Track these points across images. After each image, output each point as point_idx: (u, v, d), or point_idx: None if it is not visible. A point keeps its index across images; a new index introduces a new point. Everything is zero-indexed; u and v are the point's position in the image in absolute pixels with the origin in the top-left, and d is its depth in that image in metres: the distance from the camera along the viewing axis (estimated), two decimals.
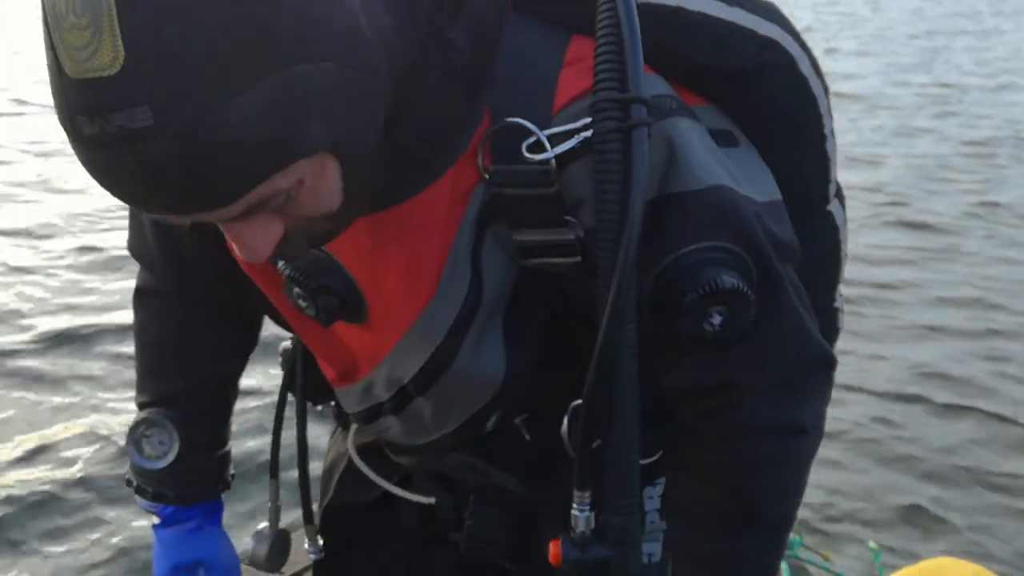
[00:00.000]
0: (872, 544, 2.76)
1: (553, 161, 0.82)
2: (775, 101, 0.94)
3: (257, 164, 0.67)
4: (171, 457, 1.15)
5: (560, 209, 0.84)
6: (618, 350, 0.82)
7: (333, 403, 1.21)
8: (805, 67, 0.94)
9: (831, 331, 1.10)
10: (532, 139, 0.82)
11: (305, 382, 1.19)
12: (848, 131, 8.05)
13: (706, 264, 0.83)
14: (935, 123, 8.81)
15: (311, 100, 0.66)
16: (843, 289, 1.14)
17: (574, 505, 0.91)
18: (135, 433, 1.16)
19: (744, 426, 0.93)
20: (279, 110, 0.65)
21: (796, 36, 0.94)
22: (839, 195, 1.08)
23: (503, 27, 0.86)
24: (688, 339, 0.85)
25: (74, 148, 0.67)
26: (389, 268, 0.88)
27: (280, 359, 1.23)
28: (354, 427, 1.22)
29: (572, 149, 0.82)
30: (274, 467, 1.29)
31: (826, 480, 3.21)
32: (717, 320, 0.84)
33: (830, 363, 0.95)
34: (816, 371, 0.94)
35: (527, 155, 0.82)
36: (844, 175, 1.12)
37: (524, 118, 0.83)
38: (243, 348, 1.25)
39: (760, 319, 0.86)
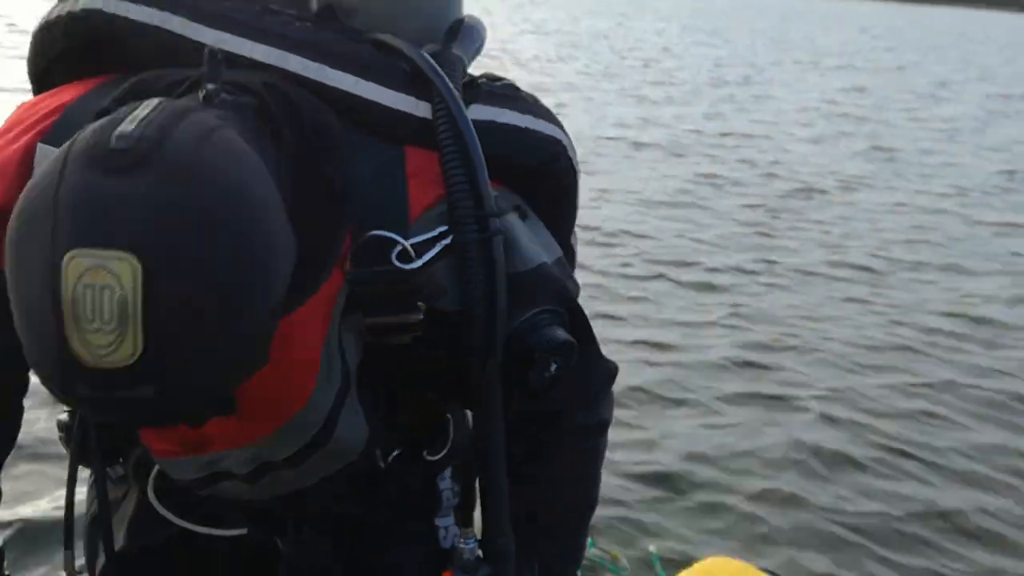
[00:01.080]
0: (652, 548, 2.92)
1: (414, 255, 0.95)
2: (558, 183, 1.13)
3: (233, 388, 0.77)
4: None
5: (415, 298, 0.96)
6: (493, 406, 1.04)
7: (122, 460, 1.17)
8: (573, 154, 1.15)
9: None
10: (399, 248, 0.93)
11: (101, 451, 1.12)
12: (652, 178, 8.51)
13: (542, 325, 1.02)
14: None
15: (265, 346, 0.76)
16: None
17: (460, 541, 1.15)
18: None
19: (574, 433, 1.19)
20: (257, 351, 0.76)
21: (564, 129, 1.14)
22: None
23: (347, 147, 0.95)
24: (533, 387, 1.02)
25: (62, 399, 0.71)
26: (267, 381, 0.91)
27: (60, 432, 1.18)
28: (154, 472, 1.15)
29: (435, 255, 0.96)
30: (68, 539, 1.18)
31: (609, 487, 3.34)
32: (553, 368, 1.02)
33: (615, 375, 1.22)
34: (610, 383, 1.22)
35: (398, 264, 0.93)
36: None
37: (385, 230, 0.94)
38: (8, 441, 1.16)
39: (586, 354, 1.11)
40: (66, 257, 0.65)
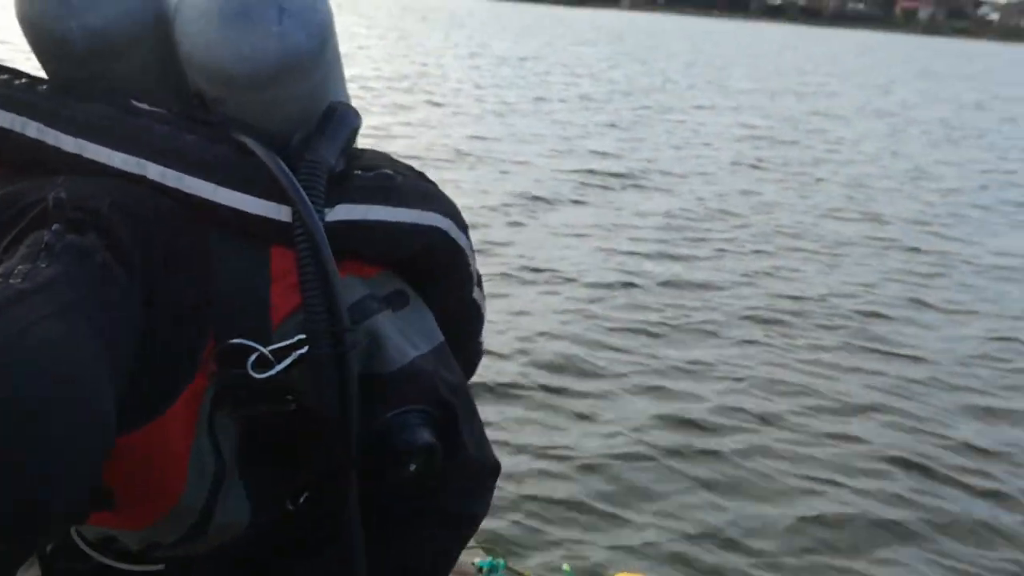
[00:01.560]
0: (566, 567, 2.97)
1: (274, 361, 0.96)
2: (439, 268, 1.14)
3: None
4: None
5: (283, 395, 0.97)
6: (352, 497, 1.04)
7: None
8: (456, 232, 1.14)
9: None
10: (256, 355, 0.95)
11: None
12: None
13: (405, 426, 1.02)
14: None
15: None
16: None
17: None
18: None
19: (436, 517, 1.16)
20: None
21: (453, 215, 1.14)
22: None
23: (212, 249, 0.96)
24: (392, 483, 1.03)
25: None
26: (137, 483, 0.93)
27: None
28: None
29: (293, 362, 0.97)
30: None
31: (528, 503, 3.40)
32: (413, 468, 1.02)
33: (498, 471, 1.20)
34: (487, 479, 1.19)
35: (252, 373, 0.95)
36: None
37: (246, 336, 0.95)
38: None
39: (453, 449, 1.08)
40: None
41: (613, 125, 14.57)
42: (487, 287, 1.29)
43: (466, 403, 1.12)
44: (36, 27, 1.04)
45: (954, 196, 11.18)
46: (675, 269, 7.00)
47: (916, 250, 8.30)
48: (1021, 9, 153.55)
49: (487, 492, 1.19)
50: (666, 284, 6.57)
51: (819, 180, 11.39)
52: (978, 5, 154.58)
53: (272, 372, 0.95)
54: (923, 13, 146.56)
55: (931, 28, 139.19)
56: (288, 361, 0.96)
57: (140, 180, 0.95)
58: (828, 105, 21.18)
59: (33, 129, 0.96)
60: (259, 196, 0.98)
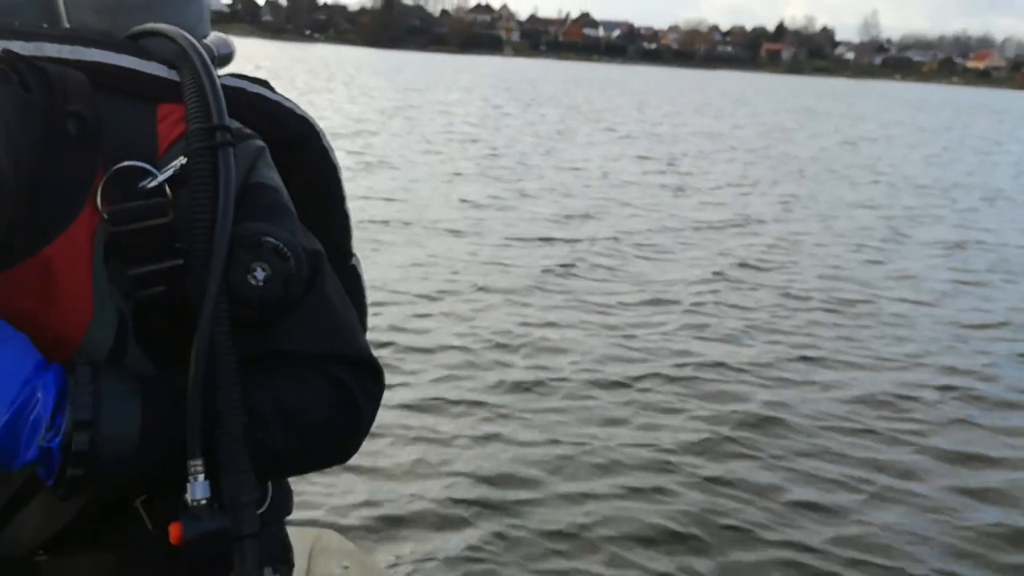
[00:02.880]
0: None
1: (167, 189, 0.97)
2: (312, 167, 1.19)
3: None
4: None
5: (174, 238, 0.97)
6: (218, 320, 0.94)
7: None
8: (326, 141, 1.21)
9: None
10: (148, 179, 0.96)
11: None
12: None
13: (263, 231, 0.97)
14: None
15: None
16: None
17: (190, 477, 0.94)
18: None
19: (301, 363, 1.04)
20: None
21: (315, 120, 1.21)
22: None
23: (102, 100, 0.99)
24: (236, 291, 0.96)
25: None
26: (39, 314, 0.94)
27: None
28: None
29: (179, 179, 0.96)
30: None
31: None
32: (260, 274, 0.96)
33: (375, 369, 1.09)
34: (362, 366, 1.08)
35: (146, 189, 0.95)
36: None
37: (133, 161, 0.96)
38: None
39: (315, 299, 1.02)
40: None
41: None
42: None
43: (330, 275, 1.07)
44: None
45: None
46: None
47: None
48: (874, 48, 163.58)
49: (359, 376, 1.06)
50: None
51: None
52: (835, 45, 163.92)
53: (155, 182, 0.96)
54: (786, 54, 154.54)
55: (793, 67, 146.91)
56: (170, 172, 0.97)
57: (42, 59, 0.98)
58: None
59: None
60: (152, 61, 1.04)
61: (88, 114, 0.96)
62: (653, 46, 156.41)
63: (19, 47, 0.97)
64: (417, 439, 4.66)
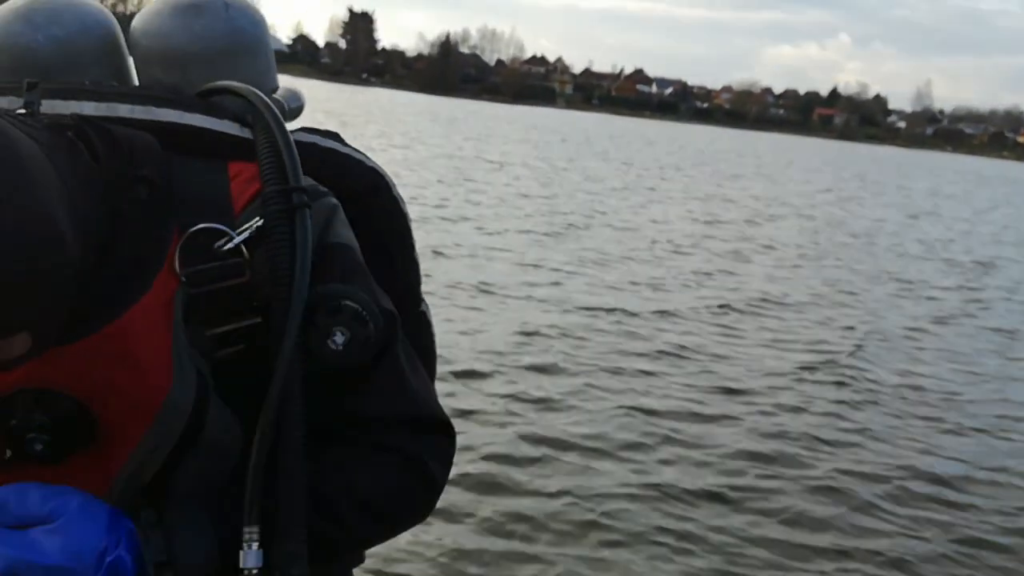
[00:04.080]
0: None
1: (244, 250, 0.96)
2: (382, 217, 1.18)
3: None
4: None
5: (251, 297, 0.96)
6: (290, 385, 0.94)
7: None
8: (396, 191, 1.20)
9: None
10: (224, 239, 0.95)
11: None
12: None
13: (342, 292, 0.98)
14: None
15: (10, 302, 0.77)
16: None
17: (244, 545, 0.93)
18: None
19: (383, 446, 1.05)
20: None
21: (384, 170, 1.20)
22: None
23: (172, 161, 0.99)
24: (315, 351, 0.96)
25: None
26: (120, 382, 0.93)
27: None
28: None
29: (256, 239, 0.96)
30: None
31: None
32: (339, 337, 0.96)
33: (450, 430, 1.10)
34: (439, 429, 1.09)
35: (221, 250, 0.95)
36: None
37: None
38: None
39: (390, 365, 1.03)
40: None
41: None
42: None
43: (404, 339, 1.07)
44: (3, 47, 1.12)
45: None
46: None
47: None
48: (926, 118, 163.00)
49: (433, 441, 1.07)
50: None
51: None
52: (887, 114, 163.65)
53: (233, 243, 0.96)
54: (838, 119, 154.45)
55: (845, 133, 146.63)
56: (247, 233, 0.96)
57: (113, 119, 0.99)
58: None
59: (3, 102, 0.98)
60: (223, 119, 1.05)
61: (158, 177, 0.96)
62: (705, 105, 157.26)
63: (91, 108, 1.00)
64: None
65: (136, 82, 1.21)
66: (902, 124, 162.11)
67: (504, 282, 9.70)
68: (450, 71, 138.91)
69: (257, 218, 0.97)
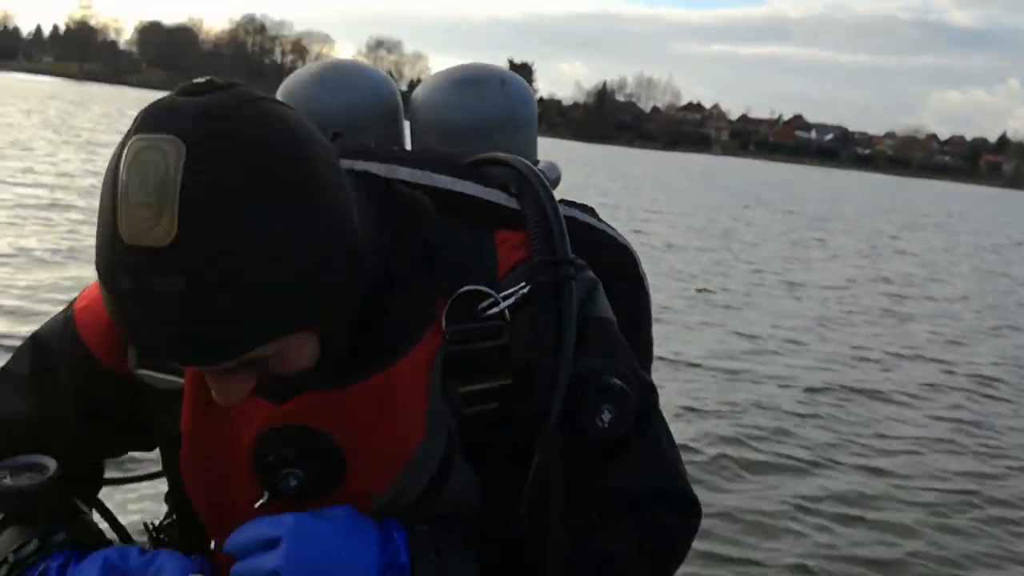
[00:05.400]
0: None
1: (507, 313, 1.00)
2: (627, 294, 1.20)
3: (257, 336, 0.80)
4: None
5: (507, 358, 1.00)
6: (554, 461, 0.98)
7: None
8: (642, 269, 1.24)
9: None
10: (488, 301, 1.00)
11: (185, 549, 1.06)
12: None
13: (607, 369, 1.00)
14: None
15: (310, 289, 0.81)
16: None
17: None
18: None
19: (635, 511, 1.05)
20: (287, 298, 0.79)
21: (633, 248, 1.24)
22: None
23: (441, 226, 1.04)
24: (582, 429, 0.99)
25: (106, 298, 0.79)
26: (374, 431, 0.98)
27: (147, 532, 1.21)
28: None
29: (519, 305, 1.00)
30: None
31: None
32: (607, 416, 0.99)
33: (696, 507, 1.10)
34: (688, 507, 1.09)
35: (486, 313, 0.99)
36: None
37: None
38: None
39: (651, 440, 1.05)
40: (129, 142, 0.76)
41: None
42: None
43: (660, 412, 1.08)
44: (298, 108, 1.16)
45: None
46: None
47: None
48: None
49: (682, 516, 1.07)
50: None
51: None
52: None
53: (498, 308, 1.00)
54: (1007, 167, 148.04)
55: (1014, 181, 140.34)
56: (512, 299, 1.00)
57: (393, 181, 1.04)
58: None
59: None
60: (492, 188, 1.10)
61: (433, 239, 1.02)
62: (867, 152, 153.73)
63: (375, 168, 1.05)
64: None
65: (409, 147, 1.30)
66: None
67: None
68: (605, 118, 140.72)
69: (523, 284, 1.01)
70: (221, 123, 0.76)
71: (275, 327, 0.81)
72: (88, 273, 5.24)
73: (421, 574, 0.93)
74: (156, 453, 1.13)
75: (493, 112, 1.28)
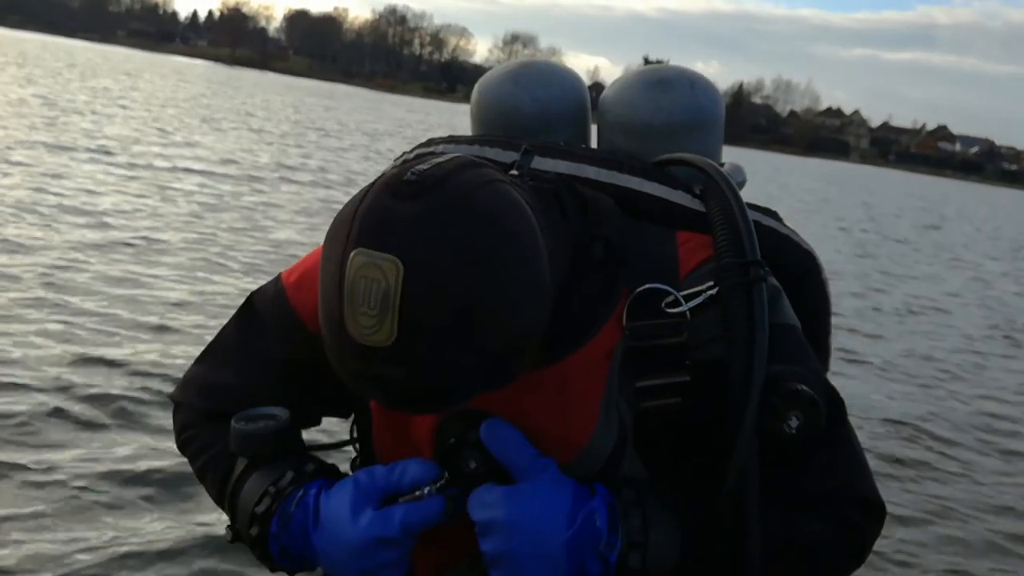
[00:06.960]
0: None
1: (688, 312, 1.02)
2: (809, 300, 1.18)
3: (465, 398, 0.88)
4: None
5: (684, 356, 1.02)
6: (750, 459, 0.98)
7: None
8: (824, 275, 1.22)
9: None
10: (670, 298, 1.02)
11: None
12: None
13: (795, 375, 1.00)
14: None
15: (513, 359, 0.87)
16: None
17: None
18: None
19: (821, 509, 1.06)
20: (492, 371, 0.86)
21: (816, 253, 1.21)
22: None
23: (624, 227, 1.08)
24: (772, 433, 0.99)
25: (334, 363, 0.88)
26: (550, 418, 1.02)
27: None
28: None
29: (702, 305, 1.02)
30: None
31: None
32: (794, 422, 0.99)
33: (881, 511, 1.09)
34: (871, 512, 1.08)
35: (667, 310, 1.02)
36: None
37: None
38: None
39: (838, 442, 1.05)
40: (351, 254, 0.82)
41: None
42: None
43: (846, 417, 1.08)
44: (493, 104, 1.30)
45: None
46: None
47: None
48: None
49: (869, 519, 1.06)
50: None
51: None
52: None
53: (684, 308, 1.01)
54: None
55: None
56: (699, 299, 1.01)
57: (580, 180, 1.09)
58: None
59: (491, 152, 1.13)
60: (677, 189, 1.13)
61: (615, 238, 1.05)
62: (1014, 167, 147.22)
63: (564, 167, 1.10)
64: None
65: (595, 145, 1.33)
66: None
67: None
68: (740, 121, 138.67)
69: (710, 284, 1.02)
70: (434, 239, 0.81)
71: (481, 389, 0.88)
72: None
73: (624, 514, 0.97)
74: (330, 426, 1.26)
75: (680, 113, 1.28)
